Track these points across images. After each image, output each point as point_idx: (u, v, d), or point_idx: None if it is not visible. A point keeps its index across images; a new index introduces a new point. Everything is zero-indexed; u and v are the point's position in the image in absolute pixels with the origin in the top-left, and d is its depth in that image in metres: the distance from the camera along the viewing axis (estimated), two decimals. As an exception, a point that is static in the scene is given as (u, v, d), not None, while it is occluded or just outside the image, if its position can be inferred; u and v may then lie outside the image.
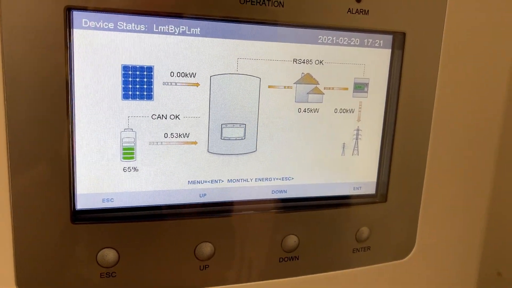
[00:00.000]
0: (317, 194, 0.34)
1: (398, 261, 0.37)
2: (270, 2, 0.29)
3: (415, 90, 0.34)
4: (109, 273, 0.29)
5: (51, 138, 0.26)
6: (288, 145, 0.32)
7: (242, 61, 0.30)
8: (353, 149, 0.34)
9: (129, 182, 0.29)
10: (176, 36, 0.28)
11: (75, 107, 0.27)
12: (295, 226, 0.33)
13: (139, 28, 0.27)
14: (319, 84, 0.32)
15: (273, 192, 0.33)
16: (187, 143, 0.30)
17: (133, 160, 0.29)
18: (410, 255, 0.37)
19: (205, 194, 0.31)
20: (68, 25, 0.25)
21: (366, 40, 0.32)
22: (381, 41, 0.33)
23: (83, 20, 0.26)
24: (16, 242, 0.27)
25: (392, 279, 0.38)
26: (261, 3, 0.29)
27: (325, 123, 0.33)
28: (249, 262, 0.32)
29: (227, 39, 0.29)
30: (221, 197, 0.32)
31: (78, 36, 0.26)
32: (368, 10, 0.31)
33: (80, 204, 0.28)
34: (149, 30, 0.27)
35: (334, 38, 0.32)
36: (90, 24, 0.26)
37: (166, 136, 0.29)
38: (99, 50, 0.27)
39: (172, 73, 0.28)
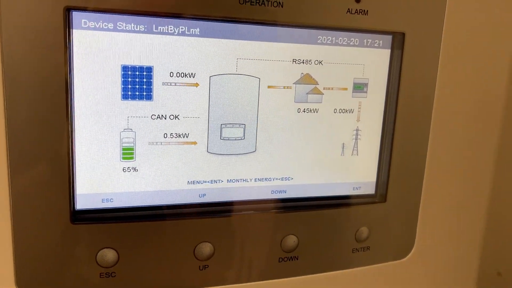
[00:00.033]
0: (317, 194, 0.34)
1: (398, 261, 0.37)
2: (270, 3, 0.29)
3: (414, 90, 0.34)
4: (109, 273, 0.29)
5: (50, 138, 0.26)
6: (288, 145, 0.32)
7: (242, 61, 0.30)
8: (353, 149, 0.34)
9: (129, 182, 0.29)
10: (176, 36, 0.28)
11: (75, 107, 0.27)
12: (294, 226, 0.33)
13: (138, 29, 0.27)
14: (318, 84, 0.32)
15: (272, 192, 0.33)
16: (186, 143, 0.30)
17: (132, 160, 0.29)
18: (409, 255, 0.37)
19: (204, 194, 0.31)
20: (67, 25, 0.26)
21: (365, 40, 0.32)
22: (381, 41, 0.33)
23: (83, 20, 0.26)
24: (15, 242, 0.27)
25: (391, 279, 0.38)
26: (260, 3, 0.29)
27: (325, 123, 0.33)
28: (248, 262, 0.32)
29: (226, 39, 0.29)
30: (221, 197, 0.32)
31: (78, 36, 0.26)
32: (367, 10, 0.31)
33: (80, 204, 0.28)
34: (149, 31, 0.27)
35: (334, 38, 0.32)
36: (90, 24, 0.26)
37: (165, 136, 0.29)
38: (99, 50, 0.27)
39: (171, 73, 0.28)
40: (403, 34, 0.32)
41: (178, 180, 0.30)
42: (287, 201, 0.33)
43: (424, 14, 0.33)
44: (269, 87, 0.31)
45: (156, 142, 0.29)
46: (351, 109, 0.33)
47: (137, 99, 0.28)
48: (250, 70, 0.30)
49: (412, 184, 0.36)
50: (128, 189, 0.29)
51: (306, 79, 0.32)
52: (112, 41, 0.27)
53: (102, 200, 0.29)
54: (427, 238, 0.38)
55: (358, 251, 0.35)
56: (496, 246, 0.45)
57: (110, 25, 0.27)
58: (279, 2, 0.29)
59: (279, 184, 0.33)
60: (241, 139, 0.31)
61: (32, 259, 0.27)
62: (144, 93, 0.28)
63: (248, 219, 0.32)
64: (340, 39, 0.32)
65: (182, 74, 0.29)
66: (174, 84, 0.29)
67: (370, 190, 0.36)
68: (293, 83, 0.31)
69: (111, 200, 0.29)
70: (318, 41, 0.31)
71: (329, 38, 0.32)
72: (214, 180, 0.31)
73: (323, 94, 0.32)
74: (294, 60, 0.31)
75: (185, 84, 0.29)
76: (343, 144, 0.34)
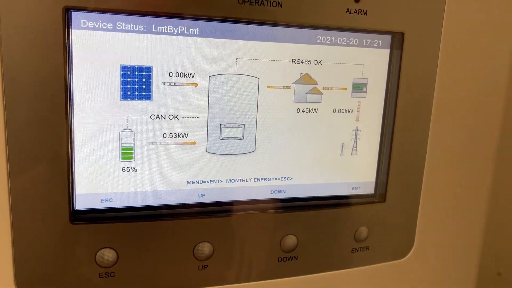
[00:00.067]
0: (316, 194, 0.34)
1: (397, 261, 0.37)
2: (269, 2, 0.29)
3: (413, 90, 0.34)
4: (108, 273, 0.29)
5: (50, 138, 0.26)
6: (287, 145, 0.32)
7: (241, 61, 0.30)
8: (352, 149, 0.34)
9: (128, 182, 0.29)
10: (175, 36, 0.28)
11: (74, 107, 0.27)
12: (294, 226, 0.33)
13: (137, 29, 0.27)
14: (317, 84, 0.32)
15: (272, 192, 0.33)
16: (186, 143, 0.30)
17: (132, 160, 0.29)
18: (409, 255, 0.37)
19: (204, 194, 0.31)
20: (66, 25, 0.26)
21: (364, 40, 0.32)
22: (380, 41, 0.33)
23: (82, 20, 0.26)
24: (15, 242, 0.27)
25: (391, 279, 0.38)
26: (259, 3, 0.29)
27: (324, 123, 0.33)
28: (248, 262, 0.32)
29: (225, 39, 0.29)
30: (220, 197, 0.32)
31: (77, 36, 0.26)
32: (366, 10, 0.31)
33: (79, 204, 0.28)
34: (148, 31, 0.27)
35: (333, 38, 0.32)
36: (89, 24, 0.26)
37: (165, 136, 0.29)
38: (98, 50, 0.27)
39: (170, 73, 0.28)
40: (402, 34, 0.32)
41: (178, 180, 0.30)
42: (286, 201, 0.33)
43: (423, 14, 0.33)
44: (268, 87, 0.31)
45: (156, 142, 0.29)
46: (351, 109, 0.33)
47: (136, 99, 0.28)
48: (250, 70, 0.30)
49: (412, 184, 0.36)
50: (127, 189, 0.29)
51: (306, 79, 0.32)
52: (111, 41, 0.27)
53: (102, 200, 0.29)
54: (427, 238, 0.38)
55: (358, 251, 0.35)
56: (496, 246, 0.45)
57: (110, 25, 0.27)
58: (278, 2, 0.29)
59: (279, 184, 0.33)
60: (241, 139, 0.31)
61: (31, 259, 0.27)
62: (143, 93, 0.28)
63: (248, 219, 0.32)
64: (340, 39, 0.32)
65: (182, 74, 0.29)
66: (173, 84, 0.29)
67: (370, 190, 0.36)
68: (293, 83, 0.31)
69: (111, 200, 0.29)
70: (318, 41, 0.31)
71: (329, 38, 0.32)
72: (214, 180, 0.31)
73: (322, 94, 0.32)
74: (293, 60, 0.31)
75: (185, 84, 0.29)
76: (343, 144, 0.34)
